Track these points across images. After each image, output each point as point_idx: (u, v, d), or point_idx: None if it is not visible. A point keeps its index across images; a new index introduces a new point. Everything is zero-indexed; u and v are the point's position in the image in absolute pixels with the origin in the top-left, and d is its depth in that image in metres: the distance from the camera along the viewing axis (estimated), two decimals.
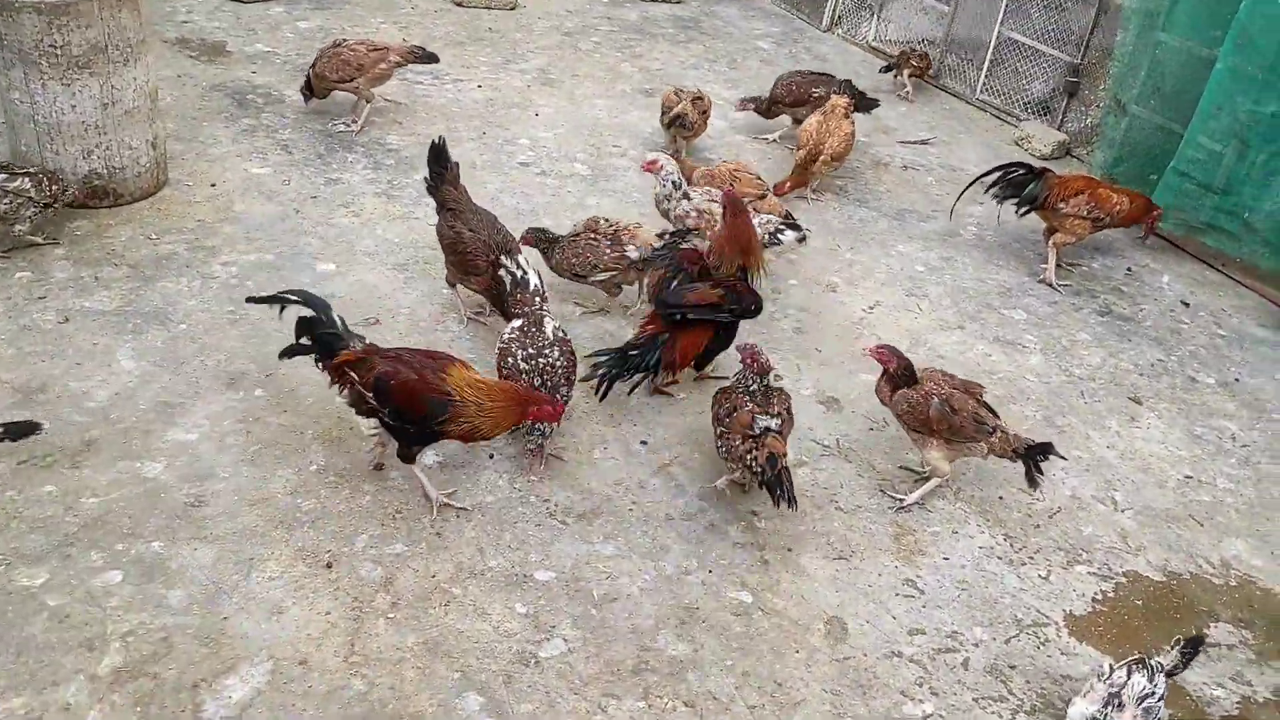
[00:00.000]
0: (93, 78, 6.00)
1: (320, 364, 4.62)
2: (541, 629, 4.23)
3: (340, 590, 4.24)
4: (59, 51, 5.84)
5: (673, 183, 6.31)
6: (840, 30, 11.23)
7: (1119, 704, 3.80)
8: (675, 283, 5.52)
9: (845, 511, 5.03)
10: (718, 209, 5.98)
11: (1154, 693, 3.80)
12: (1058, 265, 7.15)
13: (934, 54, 10.10)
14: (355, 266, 6.22)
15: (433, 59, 8.00)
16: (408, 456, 4.59)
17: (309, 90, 7.68)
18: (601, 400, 5.24)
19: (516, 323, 5.04)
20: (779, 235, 6.25)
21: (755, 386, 4.86)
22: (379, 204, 6.89)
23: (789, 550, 4.77)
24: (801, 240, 6.42)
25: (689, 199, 6.30)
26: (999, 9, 9.55)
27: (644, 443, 5.26)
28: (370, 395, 4.44)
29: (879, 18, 10.86)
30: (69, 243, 6.00)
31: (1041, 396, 6.04)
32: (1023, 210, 7.19)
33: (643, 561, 4.60)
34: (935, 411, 4.89)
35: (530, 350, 4.93)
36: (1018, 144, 9.16)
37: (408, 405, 4.43)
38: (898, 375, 5.03)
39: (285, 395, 5.16)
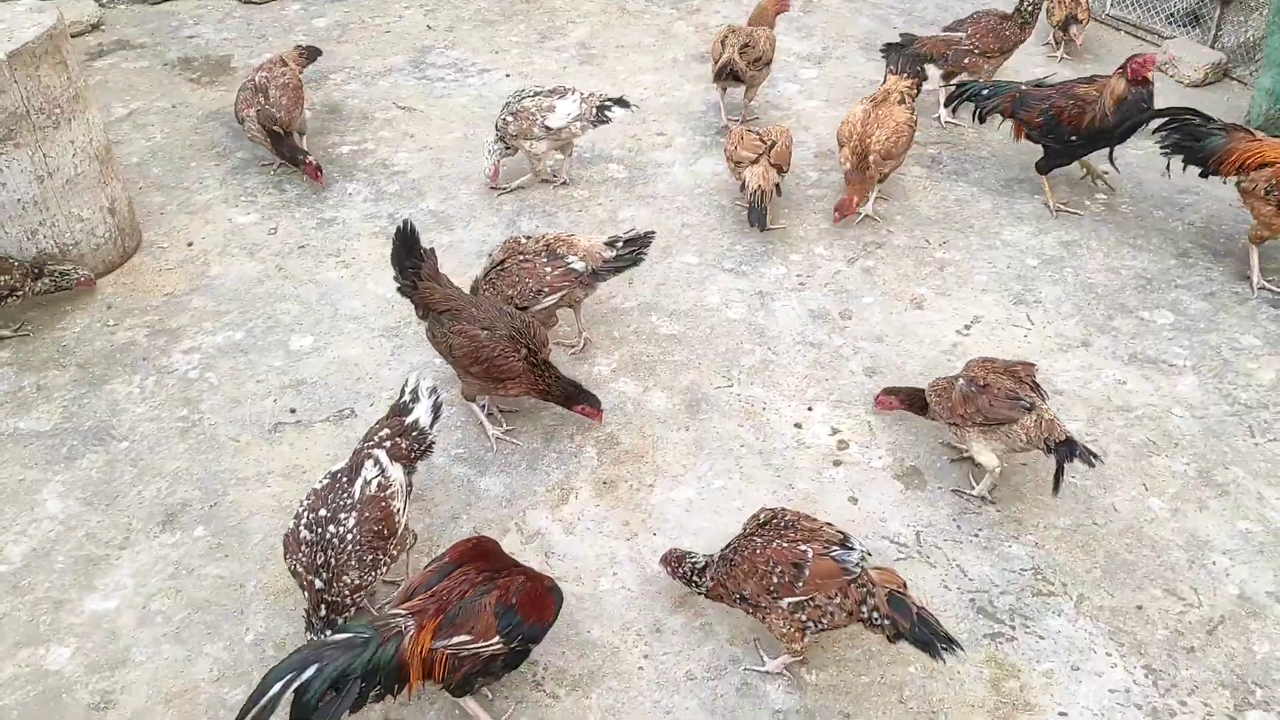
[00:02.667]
0: (18, 149, 5.17)
1: (385, 690, 3.23)
2: None
3: None
4: None
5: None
6: None
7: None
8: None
9: None
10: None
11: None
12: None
13: None
14: (336, 337, 5.28)
15: (315, 55, 7.02)
16: (470, 688, 3.49)
17: (279, 142, 6.25)
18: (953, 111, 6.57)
19: (337, 465, 3.82)
20: (606, 113, 6.06)
21: (758, 524, 3.74)
22: (375, 247, 5.91)
23: (846, 718, 3.63)
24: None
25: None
26: None
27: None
28: (495, 644, 3.33)
29: None
30: (17, 341, 5.26)
31: (1195, 438, 4.64)
32: (1198, 168, 5.53)
33: None
34: (959, 393, 4.26)
35: (322, 512, 3.58)
36: (1159, 69, 7.47)
37: (540, 617, 3.49)
38: (915, 405, 4.52)
39: (229, 533, 4.28)
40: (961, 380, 4.28)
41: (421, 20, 8.53)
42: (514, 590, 3.40)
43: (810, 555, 3.51)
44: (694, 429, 4.74)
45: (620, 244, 4.95)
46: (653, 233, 5.05)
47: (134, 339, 5.28)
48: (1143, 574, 4.08)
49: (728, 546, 3.73)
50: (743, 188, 5.84)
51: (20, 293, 5.22)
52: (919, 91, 6.13)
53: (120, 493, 4.47)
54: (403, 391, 4.05)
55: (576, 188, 6.41)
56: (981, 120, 6.18)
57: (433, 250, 4.53)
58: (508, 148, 6.16)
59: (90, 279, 5.49)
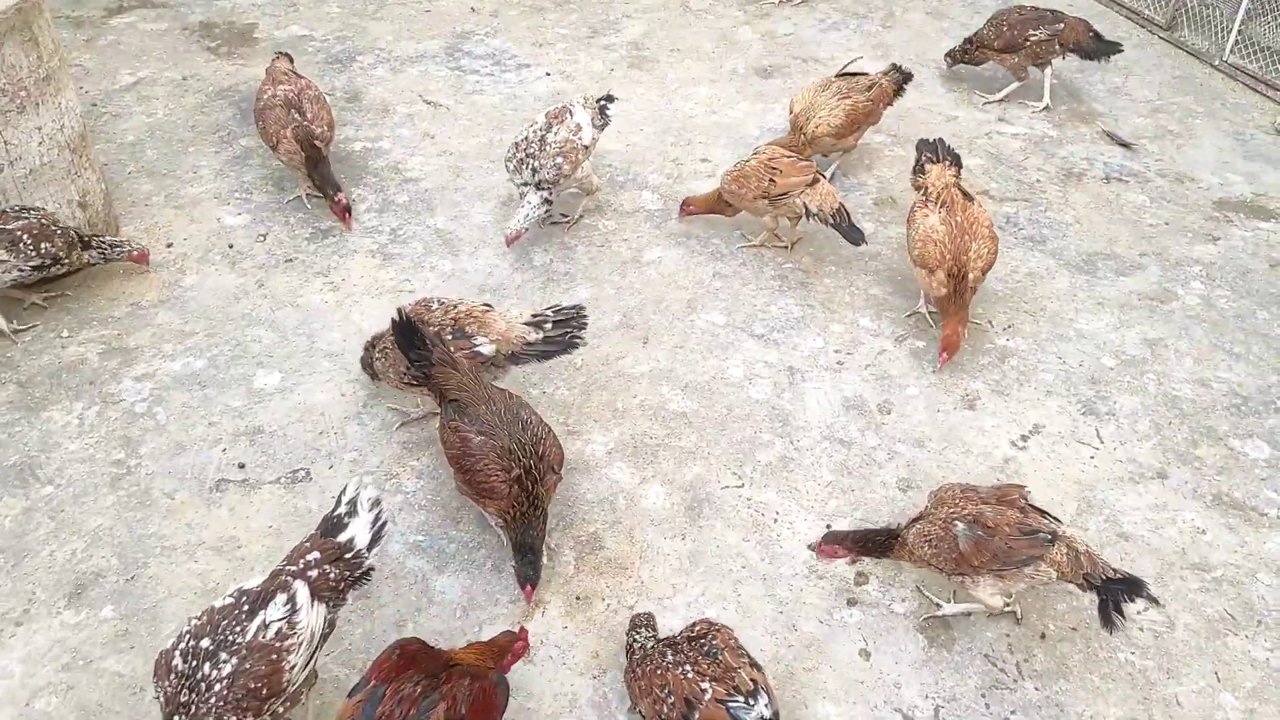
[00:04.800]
0: None
1: None
2: None
3: None
4: None
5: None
6: None
7: None
8: None
9: None
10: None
11: None
12: None
13: None
14: (307, 377, 4.69)
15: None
16: None
17: (317, 165, 5.44)
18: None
19: (250, 583, 3.17)
20: (605, 113, 5.53)
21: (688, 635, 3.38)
22: (368, 268, 5.31)
23: None
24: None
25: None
26: None
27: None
28: None
29: None
30: None
31: None
32: None
33: None
34: (966, 543, 3.53)
35: (205, 643, 2.97)
36: None
37: (492, 718, 3.17)
38: (869, 550, 3.76)
39: (140, 617, 3.72)
40: (960, 524, 3.57)
41: (466, 0, 7.85)
42: (461, 700, 3.02)
43: (708, 697, 3.10)
44: (691, 538, 4.10)
45: (549, 324, 4.22)
46: (584, 310, 4.31)
47: (85, 356, 4.73)
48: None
49: (661, 642, 3.37)
50: (805, 214, 5.15)
51: (66, 262, 4.75)
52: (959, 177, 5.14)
53: (32, 550, 3.93)
54: (338, 501, 3.41)
55: (603, 217, 5.74)
56: None
57: (440, 336, 3.97)
58: (550, 203, 5.35)
59: (144, 254, 5.10)
